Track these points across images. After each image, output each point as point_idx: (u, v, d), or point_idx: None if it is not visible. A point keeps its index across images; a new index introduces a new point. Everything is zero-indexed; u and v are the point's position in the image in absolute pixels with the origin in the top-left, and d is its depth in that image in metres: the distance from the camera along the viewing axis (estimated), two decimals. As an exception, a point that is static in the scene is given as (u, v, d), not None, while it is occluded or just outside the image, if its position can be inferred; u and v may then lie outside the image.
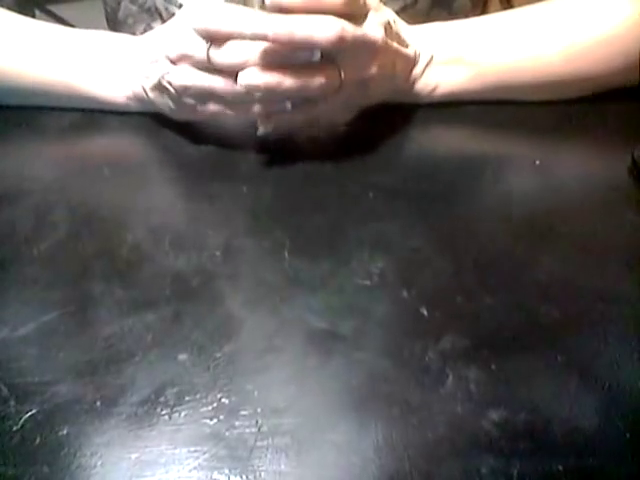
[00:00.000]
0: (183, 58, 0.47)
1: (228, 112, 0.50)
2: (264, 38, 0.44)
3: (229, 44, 0.46)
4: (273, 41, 0.44)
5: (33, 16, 0.90)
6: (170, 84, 0.49)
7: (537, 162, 0.52)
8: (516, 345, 0.39)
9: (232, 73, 0.46)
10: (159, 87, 0.50)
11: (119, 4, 0.66)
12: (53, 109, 0.56)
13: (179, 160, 0.52)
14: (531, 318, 0.40)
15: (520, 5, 0.58)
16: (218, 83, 0.47)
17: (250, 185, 0.50)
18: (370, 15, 0.47)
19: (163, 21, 0.65)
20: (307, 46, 0.45)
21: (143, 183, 0.51)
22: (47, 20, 1.03)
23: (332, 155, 0.53)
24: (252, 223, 0.47)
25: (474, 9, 0.67)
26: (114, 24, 0.69)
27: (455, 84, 0.55)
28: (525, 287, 0.42)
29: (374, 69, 0.49)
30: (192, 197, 0.50)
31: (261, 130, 0.49)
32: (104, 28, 0.70)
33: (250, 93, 0.47)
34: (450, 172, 0.52)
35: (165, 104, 0.52)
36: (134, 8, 0.64)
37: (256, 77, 0.45)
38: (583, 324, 0.40)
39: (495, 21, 0.56)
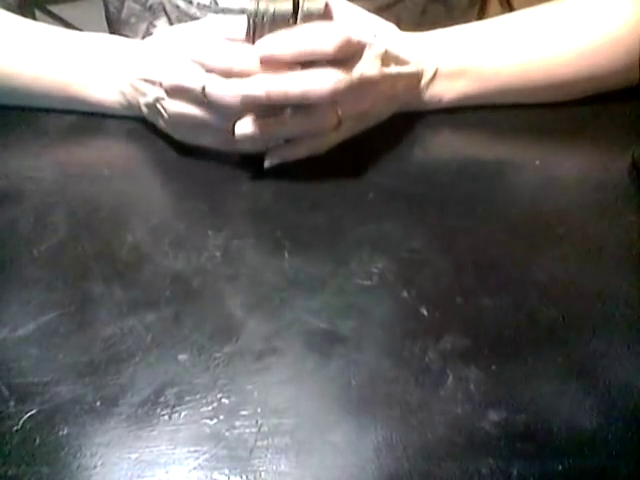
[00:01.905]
0: (178, 90, 0.47)
1: (219, 144, 0.50)
2: (258, 98, 0.44)
3: (226, 81, 0.45)
4: (267, 100, 0.44)
5: (33, 16, 0.91)
6: (164, 109, 0.49)
7: (537, 162, 0.52)
8: (516, 345, 0.39)
9: (227, 108, 0.46)
10: (153, 108, 0.50)
11: (123, 3, 0.66)
12: (53, 110, 0.56)
13: (179, 161, 0.52)
14: (531, 318, 0.40)
15: (521, 7, 0.58)
16: (211, 117, 0.47)
17: (250, 185, 0.50)
18: (365, 52, 0.47)
19: (167, 16, 0.65)
20: (303, 102, 0.45)
21: (143, 184, 0.51)
22: (47, 20, 1.03)
23: (332, 156, 0.53)
24: (252, 223, 0.47)
25: (471, 5, 0.67)
26: (117, 24, 0.69)
27: (461, 92, 0.55)
28: (525, 287, 0.42)
29: (372, 100, 0.49)
30: (192, 197, 0.50)
31: (267, 164, 0.49)
32: (104, 28, 0.70)
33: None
34: (450, 173, 0.52)
35: (155, 121, 0.52)
36: (137, 7, 0.64)
37: (252, 127, 0.46)
38: (583, 324, 0.40)
39: (497, 26, 0.56)
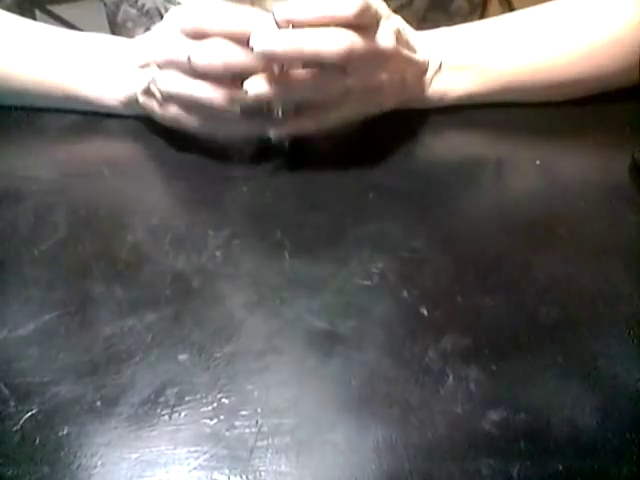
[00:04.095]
0: (169, 63, 0.47)
1: (212, 124, 0.49)
2: (272, 55, 0.43)
3: (210, 46, 0.44)
4: (281, 57, 0.44)
5: (33, 16, 0.91)
6: (158, 90, 0.49)
7: (537, 162, 0.52)
8: (516, 345, 0.39)
9: (218, 82, 0.46)
10: (148, 92, 0.50)
11: (118, 7, 0.66)
12: (53, 109, 0.56)
13: (179, 160, 0.52)
14: (531, 318, 0.40)
15: (521, 7, 0.58)
16: (202, 90, 0.47)
17: (250, 185, 0.50)
18: (381, 23, 0.47)
19: None
20: (316, 60, 0.44)
21: (143, 183, 0.51)
22: (47, 20, 1.03)
23: (332, 155, 0.53)
24: (252, 223, 0.47)
25: (472, 12, 0.68)
26: (113, 27, 0.69)
27: (464, 89, 0.55)
28: (525, 287, 0.42)
29: (384, 76, 0.49)
30: (192, 197, 0.50)
31: (273, 134, 0.49)
32: (105, 28, 0.70)
33: (234, 106, 0.46)
34: (450, 172, 0.52)
35: (152, 110, 0.52)
36: (133, 12, 0.64)
37: (260, 83, 0.45)
38: (583, 324, 0.40)
39: (500, 25, 0.56)
